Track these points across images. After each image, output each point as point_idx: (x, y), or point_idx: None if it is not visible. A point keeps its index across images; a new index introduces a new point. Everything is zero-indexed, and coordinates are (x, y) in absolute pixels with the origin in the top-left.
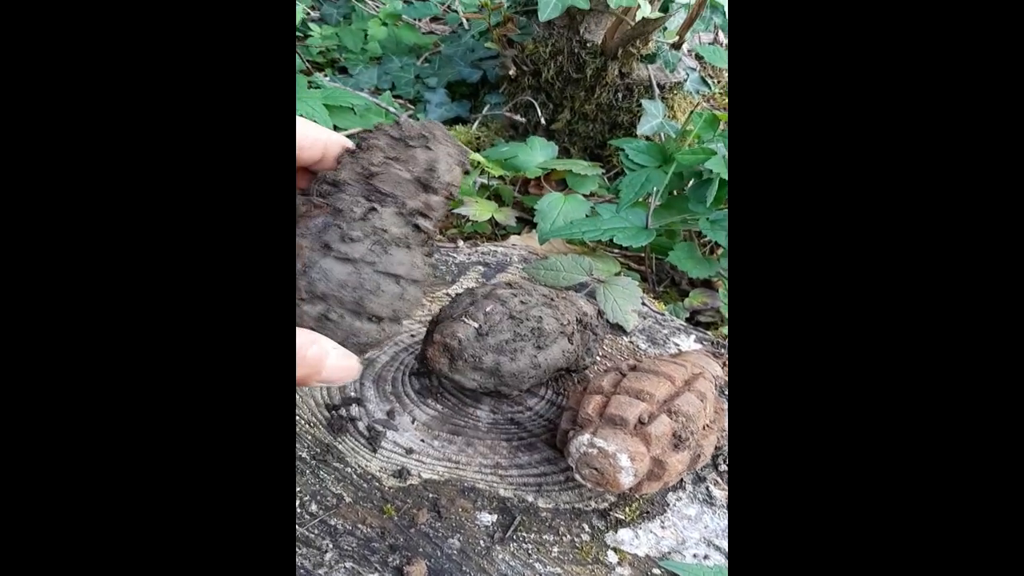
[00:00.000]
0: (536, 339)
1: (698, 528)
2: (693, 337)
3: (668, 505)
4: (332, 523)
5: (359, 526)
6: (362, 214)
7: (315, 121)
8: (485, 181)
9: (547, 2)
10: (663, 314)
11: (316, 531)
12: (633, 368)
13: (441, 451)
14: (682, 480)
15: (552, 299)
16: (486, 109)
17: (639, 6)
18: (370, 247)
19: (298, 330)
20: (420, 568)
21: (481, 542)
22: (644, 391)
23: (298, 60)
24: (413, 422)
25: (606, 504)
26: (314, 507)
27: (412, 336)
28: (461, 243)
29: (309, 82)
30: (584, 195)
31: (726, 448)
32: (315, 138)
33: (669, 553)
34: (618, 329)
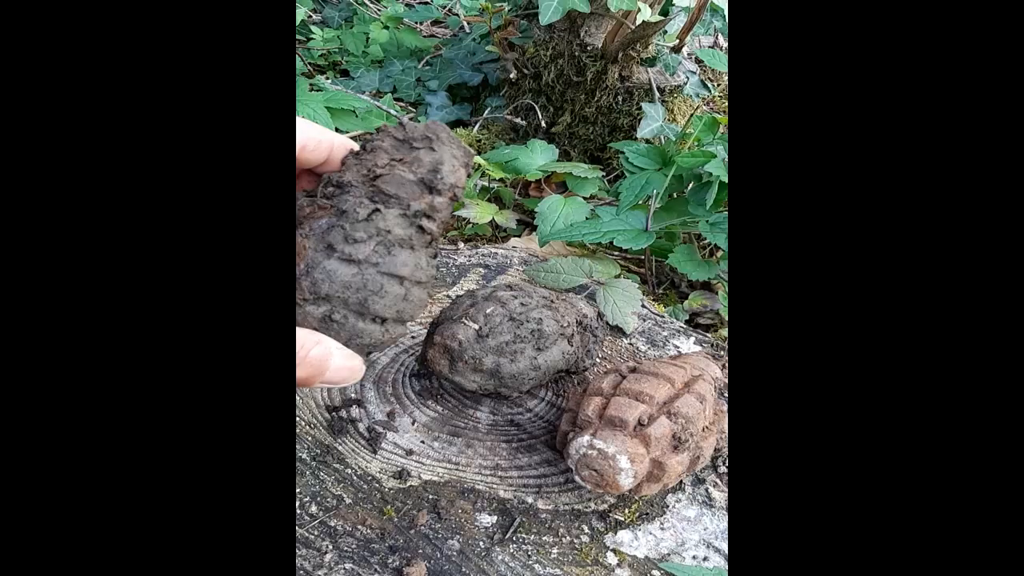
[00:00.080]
0: (536, 341)
1: (697, 530)
2: (693, 339)
3: (667, 507)
4: (332, 524)
5: (359, 527)
6: (366, 215)
7: (317, 123)
8: (486, 184)
9: (548, 5)
10: (663, 316)
11: (316, 532)
12: (633, 370)
13: (441, 452)
14: (681, 482)
15: (552, 301)
16: (487, 112)
17: (639, 10)
18: (374, 248)
19: (302, 330)
20: (420, 569)
21: (481, 543)
22: (644, 393)
23: (300, 63)
24: (413, 423)
25: (606, 506)
26: (314, 508)
27: (412, 338)
28: (461, 245)
29: (311, 84)
30: (584, 198)
31: (725, 450)
32: (319, 140)
33: (668, 555)
34: (618, 331)
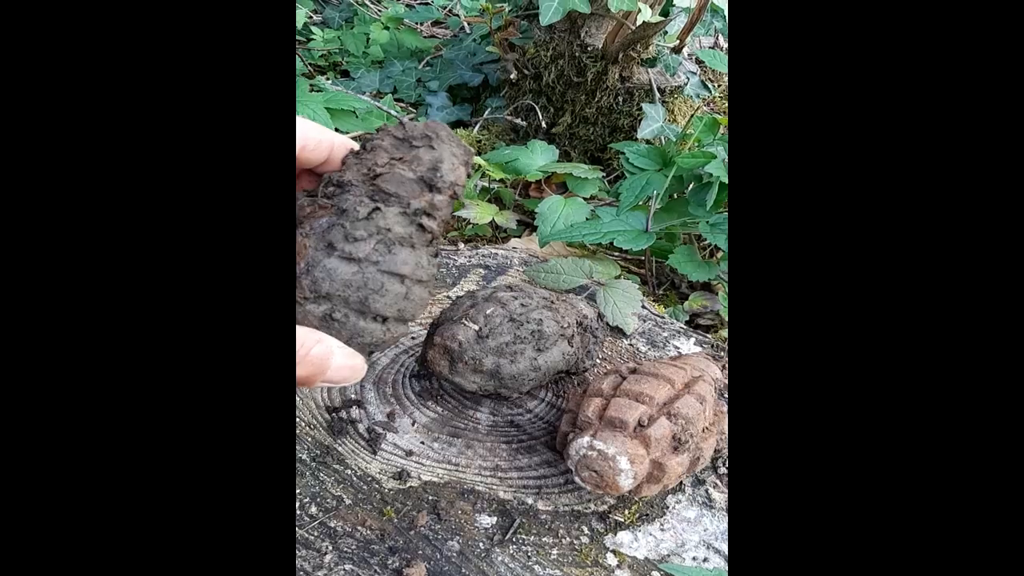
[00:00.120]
0: (536, 342)
1: (697, 531)
2: (693, 340)
3: (667, 508)
4: (332, 525)
5: (359, 528)
6: (366, 214)
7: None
8: (486, 184)
9: (548, 6)
10: (663, 317)
11: (316, 533)
12: (633, 371)
13: (441, 453)
14: (681, 483)
15: (552, 302)
16: (487, 113)
17: (640, 10)
18: (374, 246)
19: (303, 329)
20: (420, 570)
21: (480, 544)
22: (644, 394)
23: (300, 63)
24: (413, 424)
25: (605, 507)
26: (314, 509)
27: (412, 338)
28: (462, 245)
29: (311, 85)
30: (584, 198)
31: (725, 451)
32: (319, 139)
33: (668, 556)
34: (618, 332)
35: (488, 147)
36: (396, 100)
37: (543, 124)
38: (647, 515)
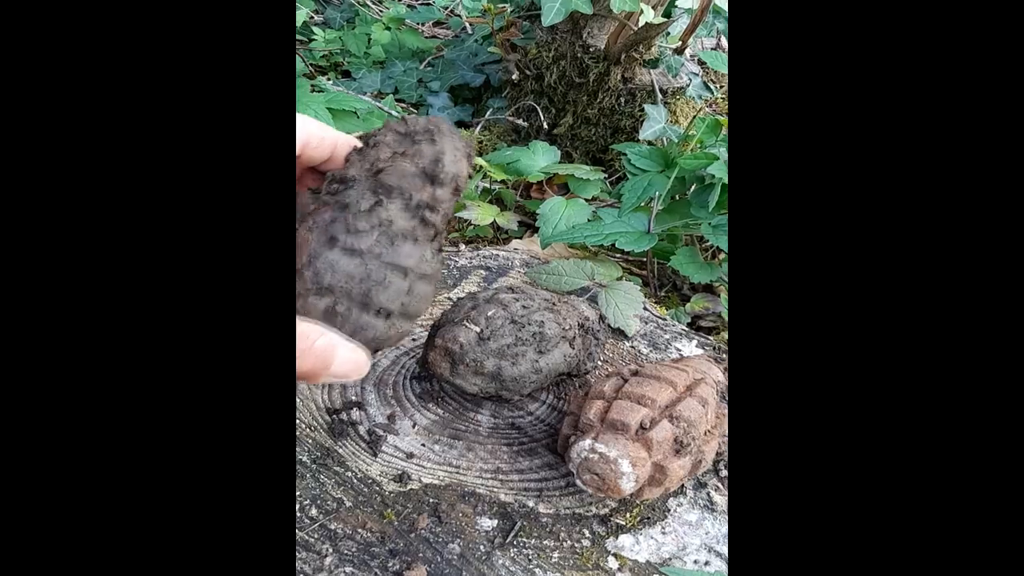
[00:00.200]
0: (538, 344)
1: (699, 534)
2: (695, 342)
3: (669, 511)
4: (332, 527)
5: (359, 530)
6: (368, 207)
7: None
8: (487, 185)
9: (550, 7)
10: (665, 319)
11: (316, 535)
12: (635, 373)
13: (442, 455)
14: (683, 486)
15: (554, 303)
16: (489, 113)
17: (642, 11)
18: (376, 239)
19: (306, 322)
20: (420, 573)
21: (481, 547)
22: (646, 396)
23: (301, 64)
24: (414, 426)
25: (607, 510)
26: (314, 511)
27: (413, 340)
28: (463, 247)
29: (312, 86)
30: (586, 199)
31: (727, 454)
32: (322, 137)
33: (670, 559)
34: (620, 334)
35: (490, 148)
36: (397, 101)
37: (545, 125)
38: (648, 518)
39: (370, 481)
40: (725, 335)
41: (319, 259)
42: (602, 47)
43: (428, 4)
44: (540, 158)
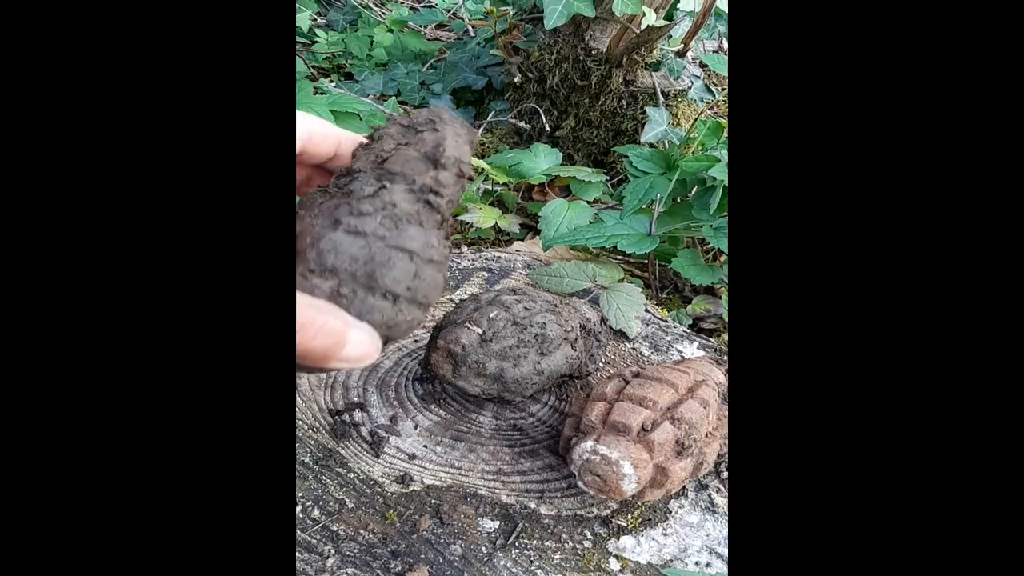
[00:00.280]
0: (539, 345)
1: (700, 536)
2: (696, 344)
3: (670, 512)
4: (334, 529)
5: (361, 532)
6: (372, 192)
7: None
8: (488, 187)
9: (553, 9)
10: (666, 321)
11: (318, 536)
12: (636, 375)
13: (444, 457)
14: (684, 487)
15: (556, 305)
16: (491, 115)
17: (644, 14)
18: (381, 221)
19: (316, 300)
20: (422, 574)
21: (483, 548)
22: (647, 398)
23: (304, 66)
24: (416, 428)
25: (608, 511)
26: (316, 512)
27: (416, 341)
28: (465, 248)
29: (315, 88)
30: (588, 201)
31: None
32: (324, 133)
33: (671, 560)
34: (621, 335)
35: (492, 150)
36: (400, 103)
37: (547, 127)
38: (650, 520)
39: (372, 482)
40: (726, 337)
41: (323, 240)
42: (604, 50)
43: (431, 6)
44: (542, 160)
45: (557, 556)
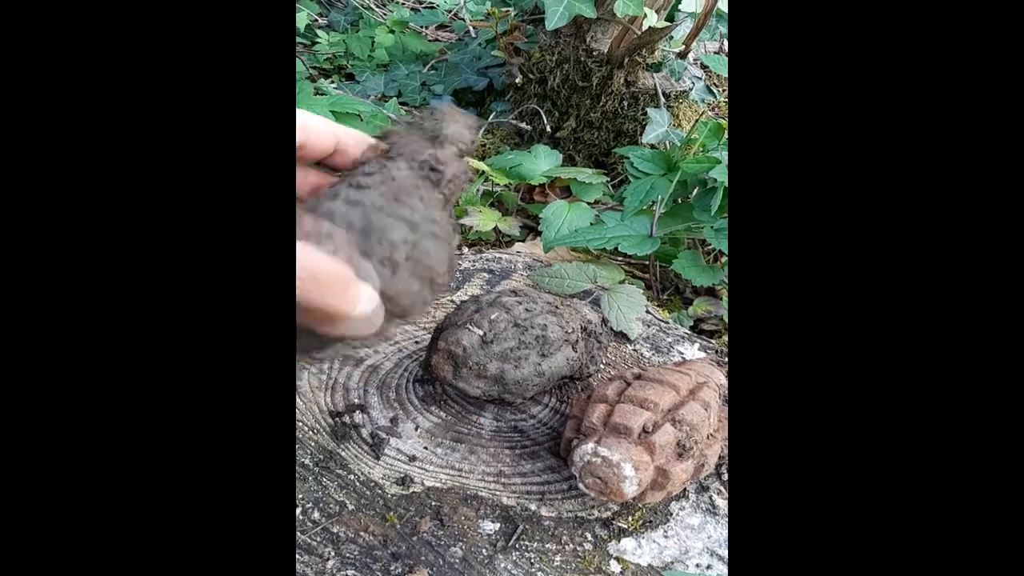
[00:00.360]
0: (540, 347)
1: (701, 538)
2: (697, 345)
3: (671, 514)
4: (334, 530)
5: (361, 534)
6: (373, 170)
7: None
8: (489, 188)
9: (554, 11)
10: (667, 322)
11: (318, 538)
12: (637, 377)
13: (444, 459)
14: (685, 490)
15: (556, 307)
16: (492, 117)
17: (645, 15)
18: (380, 192)
19: (326, 257)
20: None
21: (484, 550)
22: (648, 400)
23: (304, 67)
24: (416, 429)
25: (609, 513)
26: (316, 514)
27: (416, 343)
28: (466, 250)
29: (315, 88)
30: (589, 203)
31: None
32: (320, 129)
33: (672, 563)
34: (622, 337)
35: (492, 151)
36: (401, 104)
37: (548, 128)
38: (651, 522)
39: (372, 484)
40: (727, 338)
41: (320, 208)
42: (605, 51)
43: (432, 7)
44: (542, 162)
45: (558, 558)
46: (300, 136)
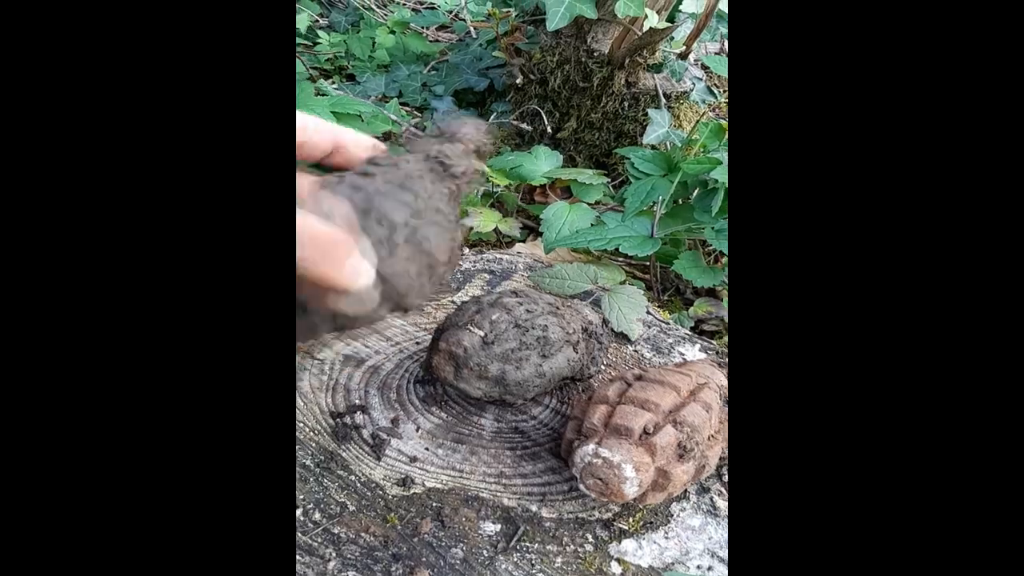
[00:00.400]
0: (541, 348)
1: (702, 539)
2: (698, 346)
3: (672, 516)
4: (335, 531)
5: (362, 535)
6: (383, 162)
7: None
8: (489, 188)
9: (555, 11)
10: (668, 323)
11: (319, 539)
12: (638, 378)
13: (445, 460)
14: (686, 491)
15: (557, 308)
16: (493, 117)
17: (646, 16)
18: (385, 179)
19: (327, 225)
20: None
21: (484, 552)
22: (649, 401)
23: (304, 67)
24: (417, 430)
25: (610, 514)
26: (317, 515)
27: (417, 344)
28: (466, 250)
29: (316, 89)
30: (589, 204)
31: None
32: (318, 128)
33: (673, 564)
34: (623, 338)
35: (493, 152)
36: (401, 104)
37: (548, 129)
38: (651, 523)
39: (373, 485)
40: (728, 339)
41: (322, 192)
42: (606, 52)
43: (433, 8)
44: (543, 162)
45: (558, 559)
46: (298, 136)
